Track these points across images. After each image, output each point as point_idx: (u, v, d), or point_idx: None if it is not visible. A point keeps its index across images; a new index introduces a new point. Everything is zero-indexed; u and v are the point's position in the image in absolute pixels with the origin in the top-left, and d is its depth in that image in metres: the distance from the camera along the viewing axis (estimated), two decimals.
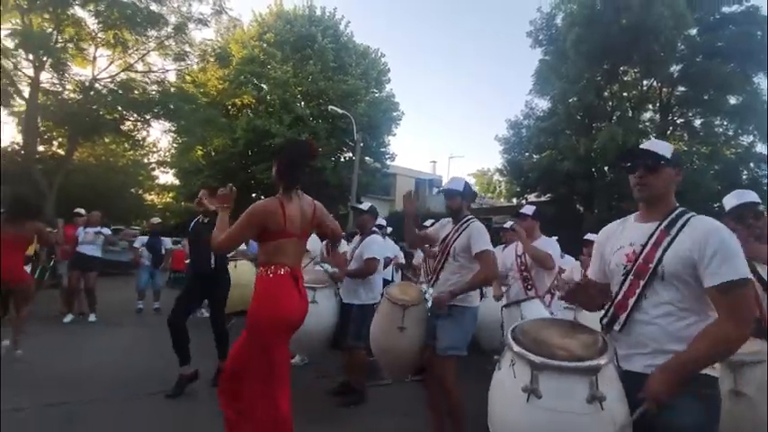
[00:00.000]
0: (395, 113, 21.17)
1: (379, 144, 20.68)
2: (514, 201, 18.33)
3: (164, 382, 3.62)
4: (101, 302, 6.58)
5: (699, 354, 1.34)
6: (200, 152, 18.31)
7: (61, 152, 13.23)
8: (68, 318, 6.24)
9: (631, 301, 1.47)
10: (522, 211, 3.65)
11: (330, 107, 16.94)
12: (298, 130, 17.55)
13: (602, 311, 1.59)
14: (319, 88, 18.13)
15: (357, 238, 4.03)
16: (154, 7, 11.54)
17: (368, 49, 20.95)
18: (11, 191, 5.63)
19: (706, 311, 1.41)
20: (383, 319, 2.95)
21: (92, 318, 6.35)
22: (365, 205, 4.15)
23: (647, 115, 16.59)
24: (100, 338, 5.47)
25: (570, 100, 15.02)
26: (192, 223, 4.08)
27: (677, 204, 1.53)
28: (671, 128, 15.83)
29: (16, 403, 3.13)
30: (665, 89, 15.68)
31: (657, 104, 16.08)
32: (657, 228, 1.49)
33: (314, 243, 5.44)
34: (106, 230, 6.80)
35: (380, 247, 3.93)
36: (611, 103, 15.98)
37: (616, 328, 1.51)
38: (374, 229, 4.08)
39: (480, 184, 32.99)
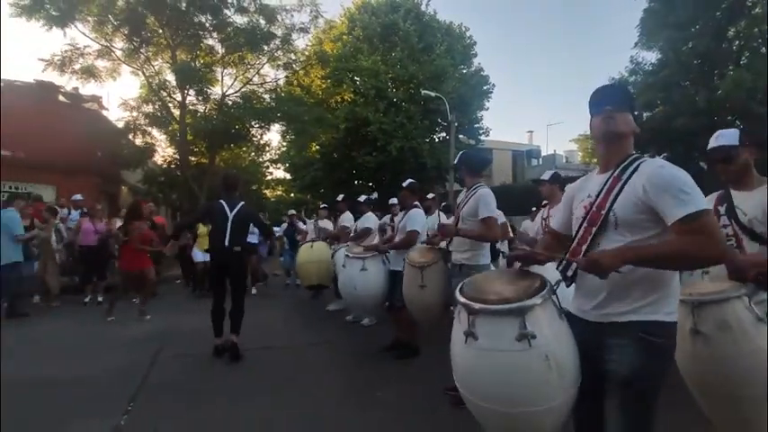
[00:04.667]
0: (485, 87, 20.97)
1: (471, 120, 20.73)
2: None
3: (309, 337, 5.09)
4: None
5: (662, 249, 1.31)
6: (313, 148, 20.23)
7: (203, 160, 15.84)
8: None
9: (584, 248, 1.49)
10: (541, 177, 3.73)
11: (423, 91, 17.45)
12: (392, 116, 18.47)
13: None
14: (409, 73, 18.63)
15: (401, 212, 4.41)
16: (262, 23, 13.21)
17: (451, 25, 20.85)
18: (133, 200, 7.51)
19: None
20: (407, 280, 3.42)
21: (253, 291, 7.99)
22: (406, 182, 4.40)
23: None
24: (260, 307, 6.87)
25: (683, 48, 13.66)
26: None
27: (632, 152, 1.52)
28: None
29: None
30: None
31: None
32: (611, 176, 1.50)
33: (349, 220, 6.41)
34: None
35: (422, 219, 4.22)
36: (737, 44, 14.15)
37: (569, 274, 1.54)
38: (416, 203, 4.34)
39: (584, 149, 30.87)
